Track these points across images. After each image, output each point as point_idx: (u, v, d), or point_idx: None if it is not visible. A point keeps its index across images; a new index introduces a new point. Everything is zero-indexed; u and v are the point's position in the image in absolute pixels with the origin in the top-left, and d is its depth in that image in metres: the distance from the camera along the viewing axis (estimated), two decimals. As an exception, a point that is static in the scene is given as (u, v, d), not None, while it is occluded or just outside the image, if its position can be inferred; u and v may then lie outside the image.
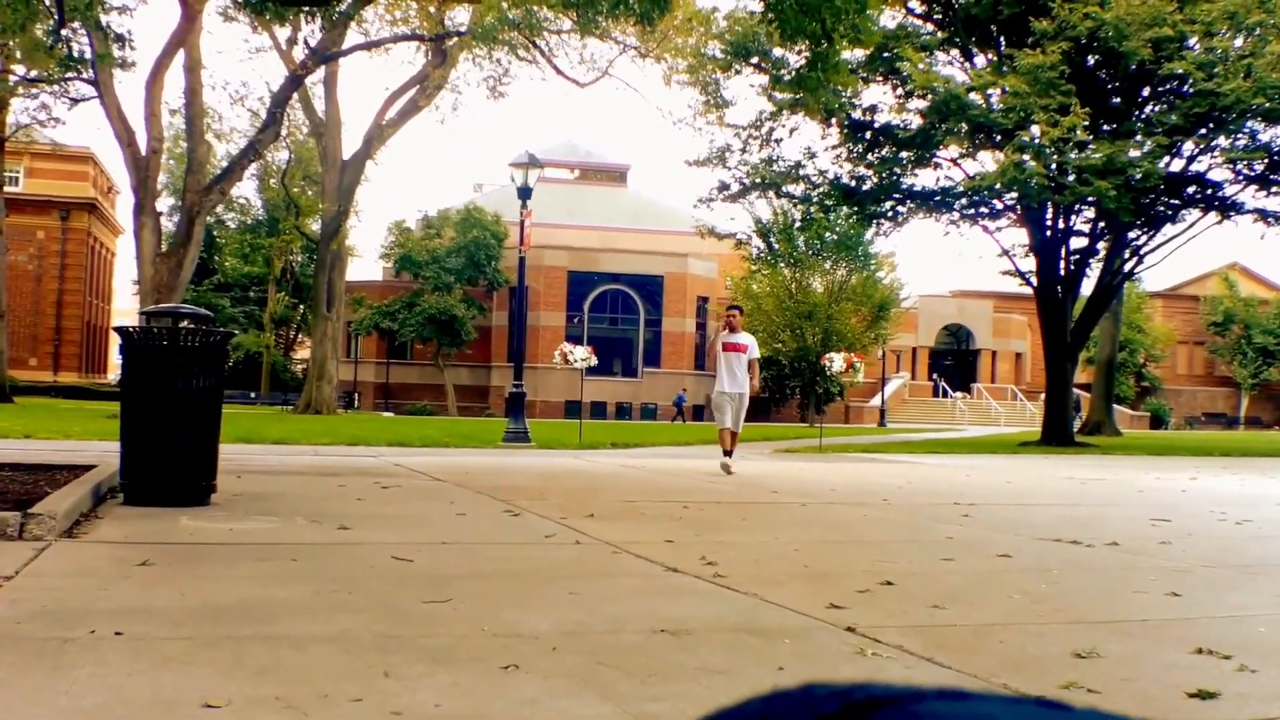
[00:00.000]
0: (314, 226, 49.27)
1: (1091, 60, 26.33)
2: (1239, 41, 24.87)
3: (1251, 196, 28.49)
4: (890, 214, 29.51)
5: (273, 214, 60.21)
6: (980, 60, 28.21)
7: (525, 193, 21.35)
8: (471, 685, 3.08)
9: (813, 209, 30.73)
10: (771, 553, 6.06)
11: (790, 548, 6.27)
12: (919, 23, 28.42)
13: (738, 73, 27.73)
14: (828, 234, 49.62)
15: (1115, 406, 46.86)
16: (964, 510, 8.96)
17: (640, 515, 7.96)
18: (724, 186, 29.73)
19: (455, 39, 33.30)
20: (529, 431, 20.71)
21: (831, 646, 3.61)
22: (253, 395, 59.05)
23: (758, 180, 29.28)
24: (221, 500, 7.75)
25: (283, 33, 34.07)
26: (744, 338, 13.52)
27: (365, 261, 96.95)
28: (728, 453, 13.36)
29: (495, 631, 3.74)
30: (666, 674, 3.25)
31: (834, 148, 28.79)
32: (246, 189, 63.51)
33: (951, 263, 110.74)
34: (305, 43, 32.64)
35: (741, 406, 13.37)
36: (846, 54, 21.03)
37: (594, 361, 21.69)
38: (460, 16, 33.26)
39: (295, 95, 33.24)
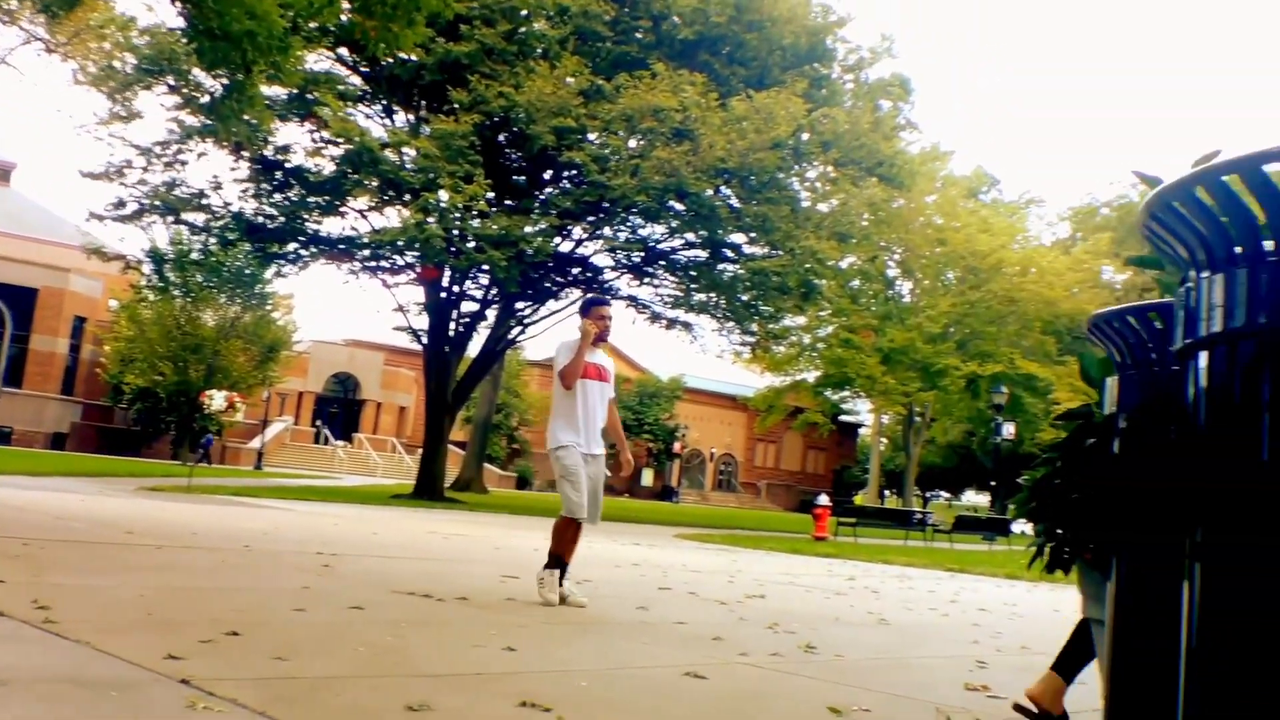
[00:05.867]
0: None
1: (503, 137, 27.76)
2: (632, 143, 27.30)
3: (627, 284, 31.31)
4: (293, 256, 29.16)
5: None
6: (400, 119, 28.84)
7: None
8: None
9: (212, 241, 29.76)
10: (116, 598, 5.74)
11: (137, 593, 5.98)
12: (346, 72, 28.54)
13: (147, 88, 26.23)
14: (224, 269, 48.14)
15: (486, 465, 49.17)
16: (325, 560, 8.99)
17: (-29, 549, 7.24)
18: (120, 204, 27.87)
19: None
20: None
21: (163, 699, 3.49)
22: None
23: (157, 203, 27.78)
24: None
25: None
26: (608, 360, 7.99)
27: None
28: (563, 566, 7.43)
29: None
30: (-30, 728, 2.99)
31: (243, 181, 28.00)
32: None
33: (349, 311, 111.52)
34: None
35: (600, 489, 7.64)
36: (267, 90, 20.67)
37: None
38: None
39: None
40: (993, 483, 44.72)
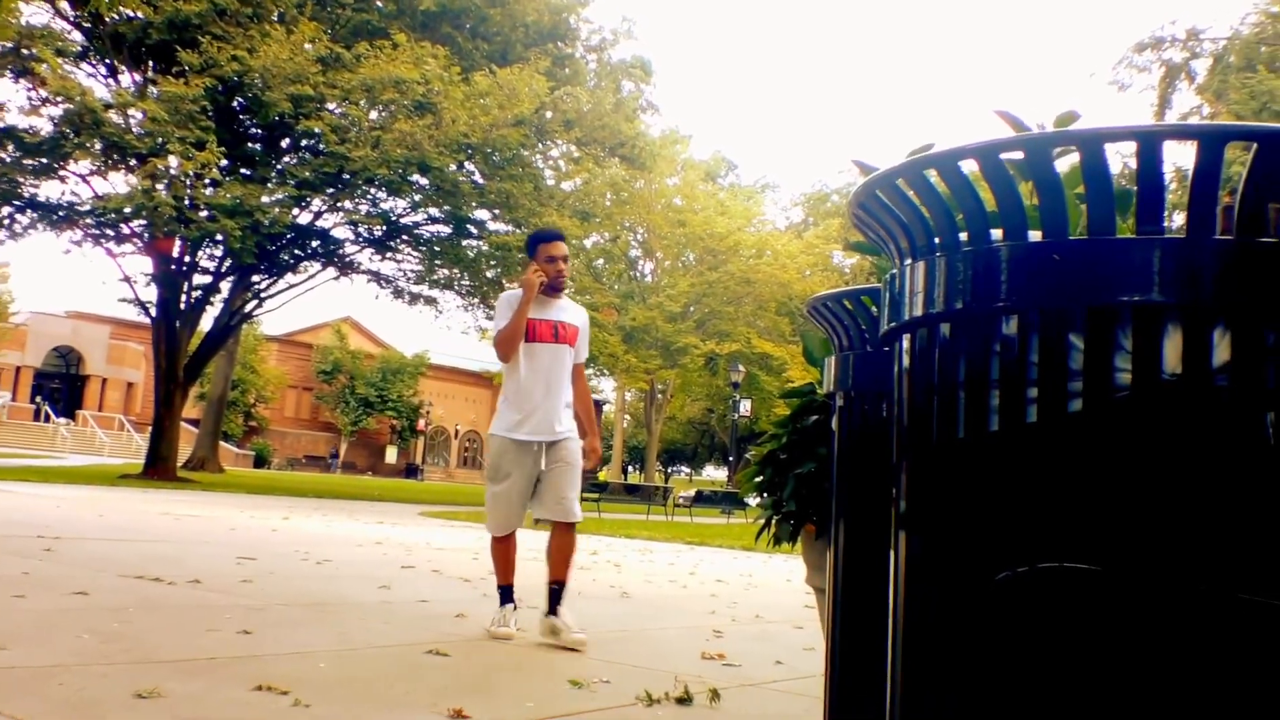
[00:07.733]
0: None
1: (238, 103, 26.74)
2: (374, 114, 26.76)
3: (368, 258, 30.72)
4: (7, 222, 27.33)
5: None
6: (126, 79, 27.40)
7: None
8: None
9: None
10: None
11: None
12: (67, 27, 26.87)
13: None
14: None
15: (221, 444, 47.51)
16: (47, 544, 8.55)
17: None
18: None
19: None
20: None
21: None
22: None
23: None
24: None
25: None
26: (575, 312, 5.96)
27: None
28: (506, 590, 5.99)
29: None
30: None
31: (-52, 142, 26.04)
32: None
33: (73, 281, 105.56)
34: None
35: (567, 474, 5.88)
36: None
37: None
38: None
39: None
40: (731, 458, 46.14)
